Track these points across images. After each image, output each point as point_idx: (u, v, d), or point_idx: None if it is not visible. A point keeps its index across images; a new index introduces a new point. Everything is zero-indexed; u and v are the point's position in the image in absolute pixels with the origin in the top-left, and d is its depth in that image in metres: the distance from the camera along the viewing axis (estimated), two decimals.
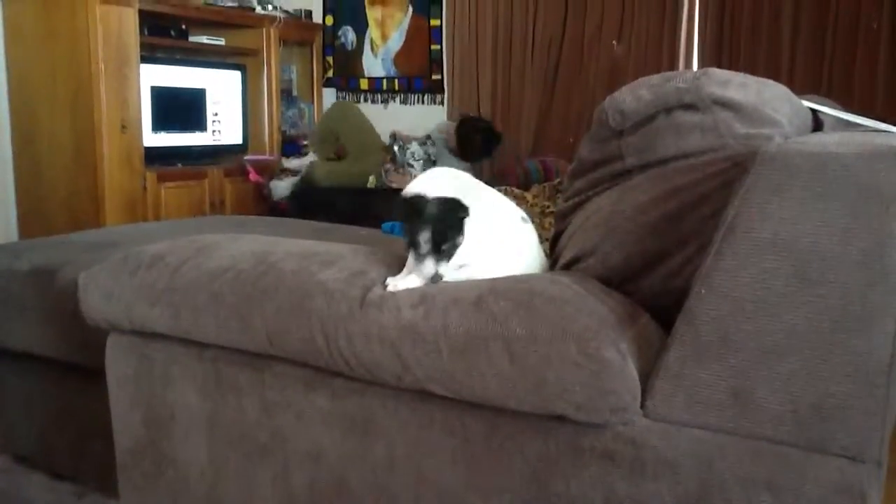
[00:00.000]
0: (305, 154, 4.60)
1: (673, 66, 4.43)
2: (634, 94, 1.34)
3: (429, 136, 4.54)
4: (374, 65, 5.49)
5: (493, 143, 4.59)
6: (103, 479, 1.73)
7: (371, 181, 4.45)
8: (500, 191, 3.77)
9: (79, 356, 1.87)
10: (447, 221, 1.23)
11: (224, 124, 4.75)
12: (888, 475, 1.03)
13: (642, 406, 1.07)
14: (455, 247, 1.25)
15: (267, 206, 4.64)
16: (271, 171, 4.79)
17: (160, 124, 4.31)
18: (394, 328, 1.19)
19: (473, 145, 4.57)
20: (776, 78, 1.35)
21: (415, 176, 1.51)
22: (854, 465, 0.97)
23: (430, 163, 4.38)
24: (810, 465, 0.99)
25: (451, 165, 4.49)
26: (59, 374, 1.99)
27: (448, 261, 1.25)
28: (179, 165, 4.37)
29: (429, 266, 1.24)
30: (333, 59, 5.61)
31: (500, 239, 1.33)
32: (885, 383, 0.94)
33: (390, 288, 1.24)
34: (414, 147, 4.44)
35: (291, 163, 4.46)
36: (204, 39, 4.67)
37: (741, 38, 4.22)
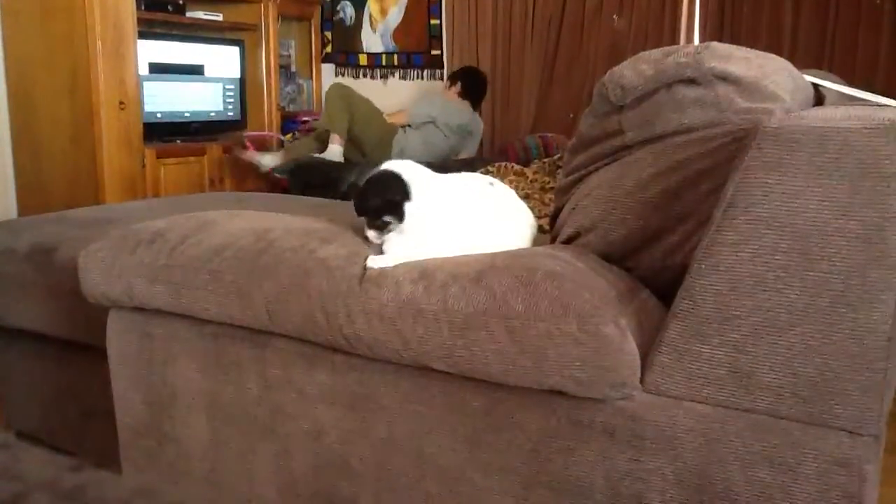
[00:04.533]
0: (321, 136, 4.52)
1: (674, 40, 4.40)
2: (635, 69, 1.33)
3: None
4: (373, 40, 5.45)
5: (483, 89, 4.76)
6: (104, 455, 1.74)
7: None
8: (499, 167, 3.75)
9: (80, 333, 1.87)
10: (375, 201, 1.31)
11: (222, 100, 4.73)
12: (886, 449, 1.04)
13: (642, 381, 1.07)
14: (385, 223, 1.30)
15: (267, 183, 4.62)
16: (269, 147, 4.77)
17: (158, 101, 4.29)
18: (393, 305, 1.19)
19: (480, 82, 4.68)
20: (778, 52, 1.34)
21: None
22: (853, 439, 0.98)
23: None
24: (809, 440, 0.99)
25: (446, 109, 4.53)
26: (61, 351, 2.00)
27: (378, 231, 1.31)
28: (178, 142, 4.35)
29: (371, 234, 1.33)
30: (332, 34, 5.57)
31: (458, 217, 1.35)
32: (885, 358, 0.95)
33: (370, 263, 1.25)
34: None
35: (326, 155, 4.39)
36: (201, 15, 4.63)
37: (743, 12, 4.19)
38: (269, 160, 4.45)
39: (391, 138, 4.43)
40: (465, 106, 4.61)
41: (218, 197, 2.90)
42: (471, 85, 4.66)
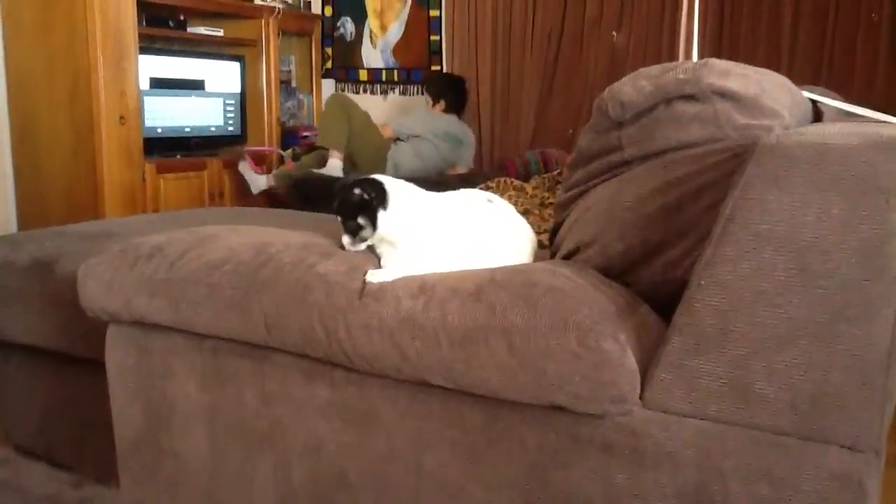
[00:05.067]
0: (320, 152, 4.51)
1: (673, 56, 4.41)
2: (634, 85, 1.34)
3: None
4: (374, 56, 5.47)
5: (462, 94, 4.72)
6: (103, 469, 1.73)
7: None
8: (498, 182, 3.76)
9: (78, 347, 1.87)
10: (349, 205, 1.34)
11: (223, 115, 4.74)
12: (886, 464, 1.04)
13: (641, 397, 1.07)
14: (359, 227, 1.33)
15: (266, 198, 4.63)
16: (270, 162, 4.78)
17: (159, 115, 4.30)
18: (393, 319, 1.19)
19: (461, 90, 4.66)
20: (776, 68, 1.35)
21: None
22: (852, 455, 0.97)
23: None
24: (809, 455, 0.99)
25: (430, 121, 4.51)
26: (60, 365, 1.99)
27: (353, 237, 1.35)
28: (179, 157, 4.36)
29: (346, 240, 1.36)
30: (332, 49, 5.60)
31: (451, 233, 1.36)
32: (884, 373, 0.95)
33: (369, 278, 1.25)
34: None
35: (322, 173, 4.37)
36: (202, 30, 4.65)
37: (741, 29, 4.21)
38: (262, 183, 4.46)
39: (385, 154, 4.41)
40: (452, 118, 4.60)
41: (218, 212, 2.91)
42: (454, 98, 4.63)
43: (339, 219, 1.36)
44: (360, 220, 1.33)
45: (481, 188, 3.43)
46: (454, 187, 1.50)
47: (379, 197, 1.32)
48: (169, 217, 2.55)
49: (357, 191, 1.33)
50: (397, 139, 4.50)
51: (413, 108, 5.21)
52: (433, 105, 4.63)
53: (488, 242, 1.37)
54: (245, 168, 4.53)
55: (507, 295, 1.14)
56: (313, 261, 1.31)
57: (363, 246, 1.36)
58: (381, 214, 1.32)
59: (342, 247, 1.36)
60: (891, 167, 0.91)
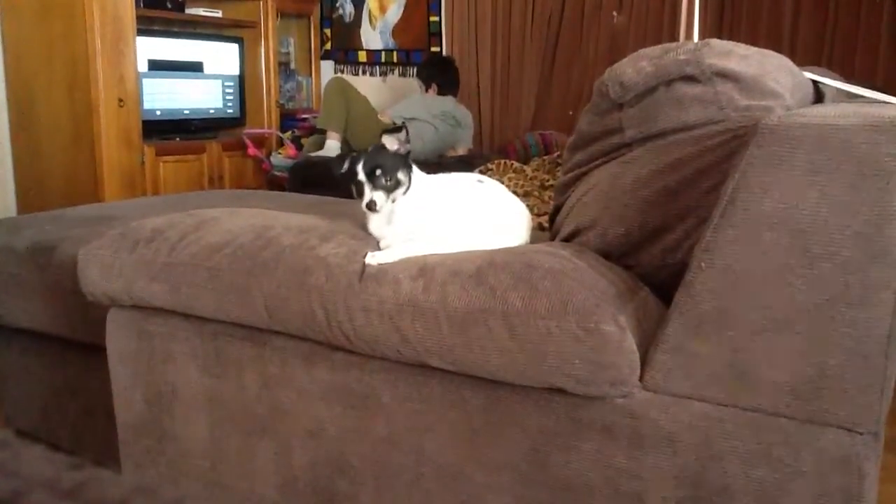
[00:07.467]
0: (319, 134, 4.51)
1: (674, 37, 4.39)
2: (635, 66, 1.33)
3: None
4: (373, 37, 5.44)
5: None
6: (104, 453, 1.74)
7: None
8: (498, 164, 3.74)
9: (79, 332, 1.87)
10: (387, 157, 1.35)
11: (222, 98, 4.72)
12: (886, 446, 1.04)
13: (641, 379, 1.07)
14: (397, 182, 1.33)
15: (265, 180, 4.62)
16: (269, 145, 4.76)
17: (158, 98, 4.29)
18: (393, 302, 1.19)
19: (452, 72, 4.62)
20: (777, 49, 1.33)
21: None
22: (851, 437, 0.98)
23: None
24: (808, 437, 0.99)
25: (426, 103, 4.49)
26: (60, 349, 1.99)
27: (387, 193, 1.32)
28: (178, 139, 4.35)
29: (367, 194, 1.32)
30: (331, 31, 5.56)
31: (450, 213, 1.37)
32: (884, 356, 0.95)
33: (368, 259, 1.25)
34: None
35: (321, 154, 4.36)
36: (201, 12, 4.63)
37: (742, 9, 4.18)
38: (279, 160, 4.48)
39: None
40: (448, 99, 4.57)
41: (217, 195, 2.90)
42: (445, 80, 4.60)
43: (366, 180, 1.33)
44: (400, 175, 1.34)
45: (481, 170, 3.42)
46: (451, 169, 1.50)
47: (407, 156, 1.37)
48: (169, 200, 2.55)
49: (395, 146, 1.36)
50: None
51: (412, 89, 5.19)
52: (426, 90, 4.61)
53: (482, 222, 1.36)
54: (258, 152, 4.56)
55: (508, 277, 1.14)
56: (313, 243, 1.31)
57: (391, 206, 1.34)
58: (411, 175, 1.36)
59: (371, 206, 1.32)
60: (892, 149, 0.91)
